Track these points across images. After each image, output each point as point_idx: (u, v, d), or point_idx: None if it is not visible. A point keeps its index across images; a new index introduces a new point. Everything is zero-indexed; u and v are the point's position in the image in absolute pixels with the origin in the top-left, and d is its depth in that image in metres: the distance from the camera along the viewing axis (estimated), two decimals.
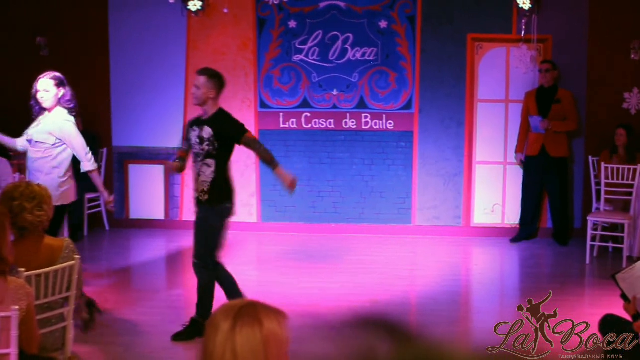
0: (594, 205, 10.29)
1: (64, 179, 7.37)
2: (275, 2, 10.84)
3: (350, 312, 7.46)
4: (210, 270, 6.95)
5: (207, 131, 6.85)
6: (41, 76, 7.25)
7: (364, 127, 11.07)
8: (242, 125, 6.97)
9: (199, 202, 6.96)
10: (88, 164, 7.41)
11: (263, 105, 11.19)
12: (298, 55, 11.13)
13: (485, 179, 11.05)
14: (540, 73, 10.44)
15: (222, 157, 6.90)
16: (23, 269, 4.54)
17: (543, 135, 10.36)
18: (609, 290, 6.91)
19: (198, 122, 6.97)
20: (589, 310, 7.54)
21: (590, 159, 10.51)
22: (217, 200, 6.89)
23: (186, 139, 7.12)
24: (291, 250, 10.26)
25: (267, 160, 6.92)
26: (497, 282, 9.28)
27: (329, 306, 7.76)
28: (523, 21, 10.64)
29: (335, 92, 11.09)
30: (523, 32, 10.63)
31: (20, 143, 7.48)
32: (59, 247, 5.02)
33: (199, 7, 10.87)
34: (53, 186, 6.86)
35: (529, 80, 10.78)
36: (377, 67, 11.03)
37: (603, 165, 9.82)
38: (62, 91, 7.24)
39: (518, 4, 10.52)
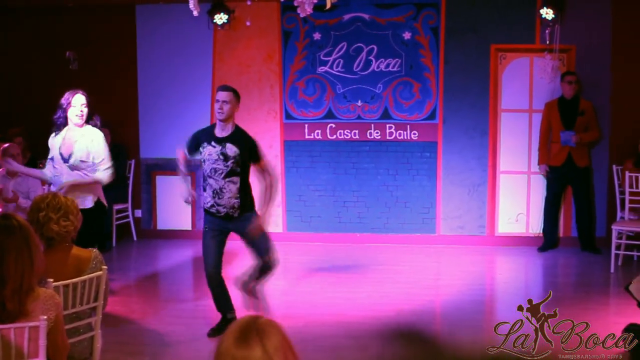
0: (619, 214, 10.25)
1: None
2: (301, 15, 10.89)
3: (378, 324, 7.51)
4: None
5: (233, 150, 6.94)
6: (76, 91, 7.33)
7: (388, 138, 11.12)
8: (260, 148, 7.11)
9: (228, 217, 7.12)
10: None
11: (288, 116, 11.27)
12: (323, 67, 11.21)
13: (509, 189, 11.06)
14: (569, 85, 10.40)
15: (246, 173, 7.06)
16: (51, 279, 4.61)
17: (569, 145, 10.38)
18: (634, 299, 6.90)
19: (216, 139, 7.03)
20: (613, 319, 7.53)
21: (614, 168, 10.49)
22: (250, 210, 7.12)
23: (195, 150, 7.20)
24: (316, 260, 10.30)
25: (272, 193, 7.09)
26: (522, 290, 9.27)
27: (354, 316, 7.79)
28: (546, 31, 10.66)
29: (359, 103, 11.16)
30: (547, 42, 10.65)
31: (48, 174, 7.59)
32: (87, 258, 5.06)
33: (225, 20, 10.99)
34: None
35: (551, 90, 10.79)
36: (401, 78, 11.08)
37: (627, 174, 9.79)
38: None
39: (541, 15, 10.54)
